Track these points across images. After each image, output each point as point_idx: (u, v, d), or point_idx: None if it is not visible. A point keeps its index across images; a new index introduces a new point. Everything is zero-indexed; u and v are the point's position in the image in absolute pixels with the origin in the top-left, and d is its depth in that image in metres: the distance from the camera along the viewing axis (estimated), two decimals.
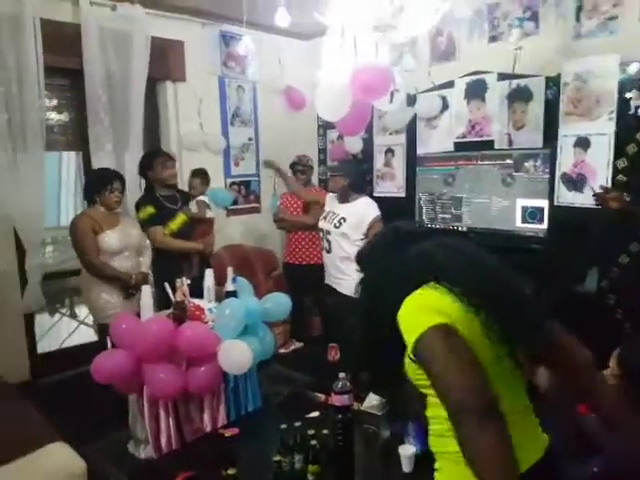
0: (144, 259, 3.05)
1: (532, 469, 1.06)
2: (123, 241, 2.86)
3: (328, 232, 3.05)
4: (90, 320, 3.83)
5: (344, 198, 3.05)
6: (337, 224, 2.99)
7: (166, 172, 3.12)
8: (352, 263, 2.91)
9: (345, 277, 2.98)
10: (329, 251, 3.07)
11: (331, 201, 3.17)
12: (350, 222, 2.94)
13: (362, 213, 2.95)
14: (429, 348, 1.00)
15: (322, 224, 3.13)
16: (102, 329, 2.89)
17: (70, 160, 3.72)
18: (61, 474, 1.89)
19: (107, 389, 2.33)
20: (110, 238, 2.81)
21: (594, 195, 2.47)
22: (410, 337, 1.04)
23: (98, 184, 2.86)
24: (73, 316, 4.41)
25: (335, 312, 3.11)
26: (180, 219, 3.16)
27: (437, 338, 1.00)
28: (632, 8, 2.91)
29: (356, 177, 3.13)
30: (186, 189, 3.49)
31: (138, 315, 2.56)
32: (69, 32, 3.16)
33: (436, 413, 1.11)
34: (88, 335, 3.88)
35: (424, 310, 1.06)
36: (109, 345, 2.37)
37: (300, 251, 3.91)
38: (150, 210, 3.05)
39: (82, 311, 4.23)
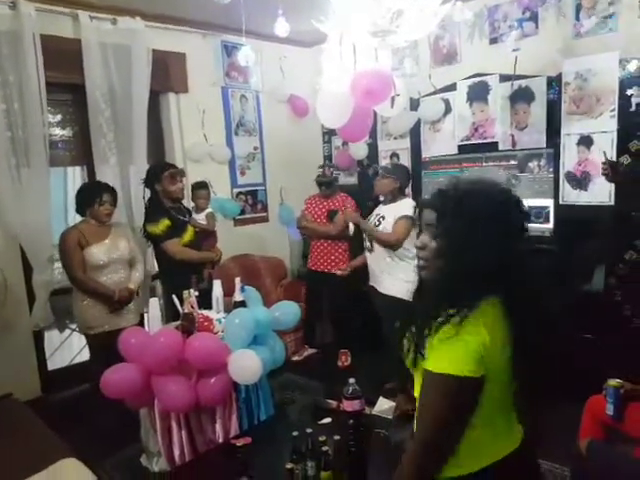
0: (135, 273, 3.04)
1: (507, 458, 1.14)
2: (109, 255, 2.87)
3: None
4: None
5: (389, 201, 3.12)
6: (377, 222, 3.08)
7: (175, 186, 3.08)
8: (392, 260, 3.00)
9: (385, 276, 3.05)
10: (371, 250, 3.13)
11: (380, 206, 3.24)
12: (387, 219, 3.03)
13: (396, 210, 3.03)
14: (435, 389, 1.06)
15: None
16: (89, 340, 2.95)
17: (76, 175, 3.73)
18: None
19: (118, 404, 2.33)
20: (96, 252, 2.83)
21: (604, 163, 2.54)
22: (436, 363, 1.05)
23: (88, 197, 2.87)
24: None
25: (376, 313, 3.16)
26: (190, 232, 3.15)
27: (448, 387, 1.04)
28: (631, 5, 2.91)
29: (405, 181, 3.19)
30: (190, 201, 3.50)
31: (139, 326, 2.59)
32: (70, 47, 3.18)
33: None
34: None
35: (463, 352, 1.03)
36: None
37: (322, 259, 3.88)
38: (167, 223, 3.01)
39: None
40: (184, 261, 3.08)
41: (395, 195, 3.09)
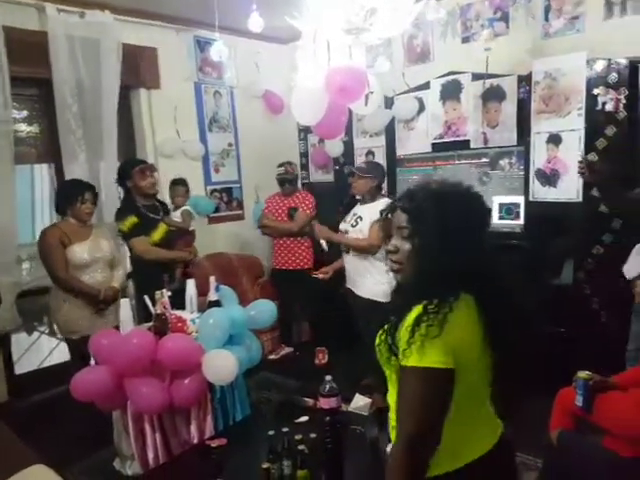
0: (117, 273, 2.98)
1: (488, 453, 1.17)
2: (93, 254, 2.81)
3: (346, 232, 3.08)
4: None
5: (367, 200, 3.07)
6: (354, 223, 3.04)
7: (145, 181, 3.03)
8: (368, 263, 2.98)
9: (362, 278, 3.01)
10: (347, 252, 3.09)
11: (357, 205, 3.18)
12: (365, 220, 2.99)
13: (374, 211, 2.95)
14: (414, 383, 1.08)
15: (342, 225, 3.16)
16: (72, 345, 2.84)
17: (43, 173, 3.62)
18: None
19: (89, 407, 2.28)
20: (79, 251, 2.76)
21: (580, 162, 2.63)
22: (411, 358, 1.07)
23: (69, 195, 2.81)
24: (52, 334, 4.31)
25: (353, 315, 3.13)
26: (162, 229, 3.10)
27: (426, 380, 1.06)
28: (597, 7, 3.00)
29: (382, 179, 3.16)
30: (166, 198, 3.44)
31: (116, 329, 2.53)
32: (36, 40, 3.08)
33: None
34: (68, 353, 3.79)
35: (435, 346, 1.06)
36: (92, 362, 2.32)
37: (287, 257, 3.91)
38: (133, 220, 2.97)
39: None
40: (154, 260, 3.03)
41: (373, 194, 3.05)
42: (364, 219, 2.99)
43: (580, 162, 2.64)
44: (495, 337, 1.12)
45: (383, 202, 3.04)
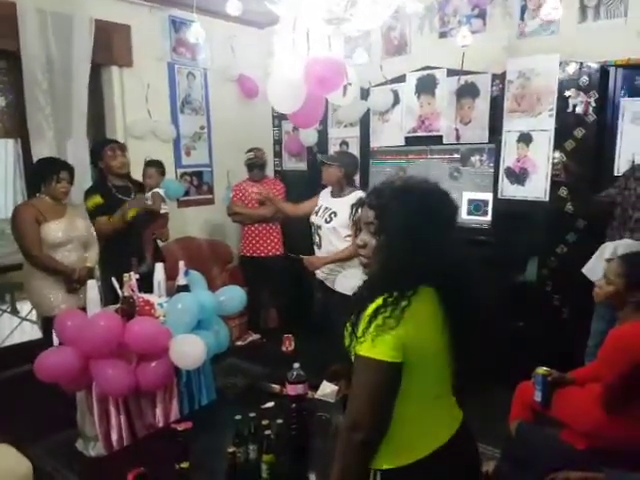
0: (90, 253, 2.94)
1: (446, 445, 1.21)
2: (67, 233, 2.76)
3: (319, 227, 2.97)
4: (34, 316, 3.67)
5: (338, 191, 2.96)
6: (328, 219, 2.92)
7: (116, 161, 3.00)
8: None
9: (334, 273, 2.96)
10: (320, 246, 3.01)
11: (324, 195, 3.07)
12: (340, 217, 2.85)
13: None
14: (363, 372, 1.13)
15: (313, 219, 3.03)
16: (46, 323, 2.79)
17: (8, 148, 3.51)
18: (7, 477, 1.82)
19: (52, 387, 2.25)
20: (54, 229, 2.71)
21: (556, 163, 2.74)
22: (364, 346, 1.11)
23: (45, 173, 2.75)
24: (15, 312, 4.21)
25: (325, 308, 3.09)
26: (133, 211, 3.02)
27: (374, 371, 1.11)
28: (571, 10, 3.05)
29: (353, 169, 3.03)
30: (139, 179, 3.38)
31: (84, 310, 2.49)
32: (3, 11, 2.97)
33: None
34: (32, 332, 3.71)
35: (386, 339, 1.09)
36: (55, 341, 2.29)
37: (257, 243, 3.90)
38: (97, 200, 2.94)
39: (25, 307, 4.03)
40: (126, 236, 2.97)
41: (342, 185, 2.94)
42: (339, 215, 2.87)
43: (556, 164, 2.71)
44: (454, 331, 1.17)
45: (355, 196, 3.00)
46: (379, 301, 1.12)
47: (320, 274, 3.06)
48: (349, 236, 2.83)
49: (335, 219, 2.89)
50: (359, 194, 2.95)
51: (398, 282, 1.14)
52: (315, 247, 3.08)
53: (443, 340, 1.16)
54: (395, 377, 1.12)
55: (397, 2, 2.30)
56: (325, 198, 3.05)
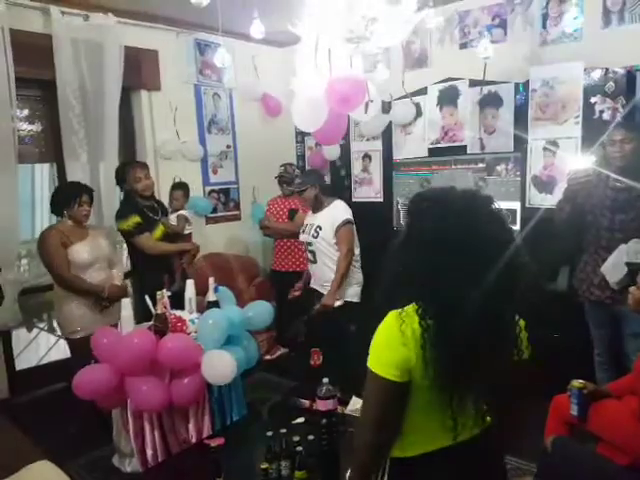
0: (116, 271, 3.02)
1: (466, 442, 1.19)
2: (93, 253, 2.84)
3: (309, 244, 3.09)
4: None
5: (318, 207, 3.10)
6: (315, 234, 3.04)
7: (140, 184, 3.09)
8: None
9: (327, 284, 3.02)
10: (314, 262, 3.10)
11: (309, 215, 3.22)
12: (325, 229, 3.00)
13: (332, 218, 3.01)
14: (369, 388, 1.15)
15: (302, 237, 3.17)
16: (73, 344, 2.86)
17: (44, 172, 3.66)
18: None
19: (89, 404, 2.31)
20: (80, 251, 2.79)
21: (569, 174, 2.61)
22: (371, 362, 1.13)
23: (67, 197, 2.83)
24: (52, 331, 4.34)
25: (325, 316, 3.12)
26: (160, 229, 3.17)
27: (379, 388, 1.12)
28: (595, 15, 3.03)
29: (322, 181, 3.19)
30: (163, 199, 3.48)
31: (115, 327, 2.56)
32: (40, 42, 3.11)
33: None
34: (67, 350, 3.81)
35: (389, 359, 1.11)
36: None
37: (287, 258, 3.94)
38: (136, 219, 3.04)
39: None
40: (159, 257, 3.08)
41: (321, 200, 3.08)
42: (324, 227, 3.00)
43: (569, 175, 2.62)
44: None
45: (337, 205, 3.08)
46: (391, 316, 1.12)
47: (316, 286, 3.15)
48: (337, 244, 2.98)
49: (321, 232, 3.01)
50: (336, 204, 3.06)
51: (395, 297, 1.15)
52: (309, 264, 3.17)
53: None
54: (399, 396, 1.13)
55: (417, 19, 2.32)
56: (309, 216, 3.20)
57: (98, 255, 2.87)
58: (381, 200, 4.06)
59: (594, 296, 2.64)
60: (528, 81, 3.19)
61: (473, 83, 3.41)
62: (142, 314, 2.82)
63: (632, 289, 1.99)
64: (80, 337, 2.77)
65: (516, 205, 3.31)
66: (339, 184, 4.24)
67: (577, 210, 2.63)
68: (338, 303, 2.99)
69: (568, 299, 3.08)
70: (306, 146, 4.60)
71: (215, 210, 4.25)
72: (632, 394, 1.96)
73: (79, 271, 2.79)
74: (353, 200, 4.13)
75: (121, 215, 3.09)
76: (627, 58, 2.84)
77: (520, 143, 3.27)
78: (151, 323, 2.47)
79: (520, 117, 3.24)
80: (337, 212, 3.04)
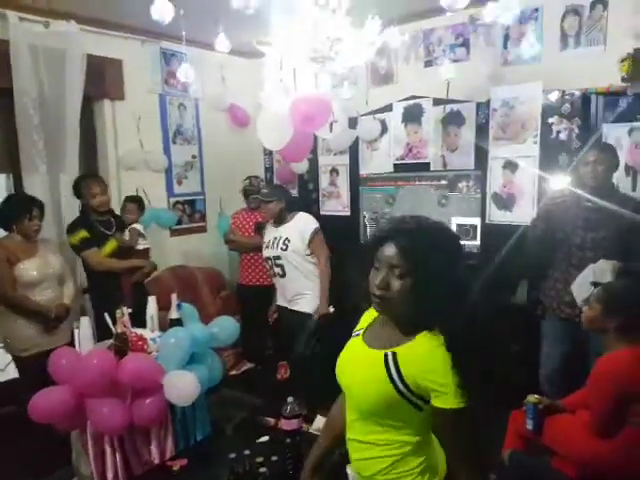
0: (67, 289, 2.94)
1: None
2: (42, 271, 2.75)
3: (277, 257, 3.09)
4: None
5: (281, 220, 3.13)
6: (283, 247, 3.04)
7: (95, 199, 3.01)
8: (312, 283, 3.04)
9: (304, 295, 3.07)
10: (283, 275, 3.11)
11: (268, 230, 3.23)
12: (294, 240, 3.03)
13: (302, 228, 3.05)
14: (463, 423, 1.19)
15: (267, 253, 3.16)
16: (21, 363, 2.77)
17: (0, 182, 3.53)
18: None
19: (44, 427, 2.23)
20: (28, 269, 2.70)
21: None
22: (446, 400, 1.16)
23: (17, 211, 2.73)
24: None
25: (293, 331, 3.16)
26: (110, 245, 3.07)
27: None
28: (553, 39, 3.13)
29: (289, 198, 3.24)
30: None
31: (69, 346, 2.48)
32: None
33: (394, 438, 1.25)
34: (11, 372, 3.66)
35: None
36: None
37: (253, 272, 3.92)
38: (83, 234, 2.96)
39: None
40: (106, 273, 3.01)
41: (284, 214, 3.12)
42: (292, 239, 3.04)
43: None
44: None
45: (302, 216, 3.13)
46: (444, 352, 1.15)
47: (282, 301, 3.21)
48: (308, 255, 3.05)
49: (290, 244, 3.04)
50: (300, 215, 3.11)
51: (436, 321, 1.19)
52: (277, 278, 3.18)
53: None
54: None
55: (381, 40, 2.36)
56: (270, 231, 3.20)
57: (47, 273, 2.78)
58: (348, 214, 4.10)
59: (564, 314, 2.68)
60: (489, 100, 3.28)
61: (437, 102, 3.48)
62: (99, 331, 2.74)
63: (585, 308, 2.07)
64: (28, 355, 2.69)
65: (477, 221, 3.40)
66: (307, 197, 4.25)
67: (550, 228, 2.70)
68: (331, 309, 3.07)
69: (527, 313, 3.19)
70: (274, 158, 4.60)
71: (180, 222, 4.19)
72: (585, 408, 2.03)
73: (27, 289, 2.70)
74: (321, 213, 4.16)
75: (70, 229, 3.02)
76: (583, 81, 2.94)
77: (481, 161, 3.36)
78: (111, 342, 2.41)
79: (481, 135, 3.34)
80: (304, 223, 3.08)
